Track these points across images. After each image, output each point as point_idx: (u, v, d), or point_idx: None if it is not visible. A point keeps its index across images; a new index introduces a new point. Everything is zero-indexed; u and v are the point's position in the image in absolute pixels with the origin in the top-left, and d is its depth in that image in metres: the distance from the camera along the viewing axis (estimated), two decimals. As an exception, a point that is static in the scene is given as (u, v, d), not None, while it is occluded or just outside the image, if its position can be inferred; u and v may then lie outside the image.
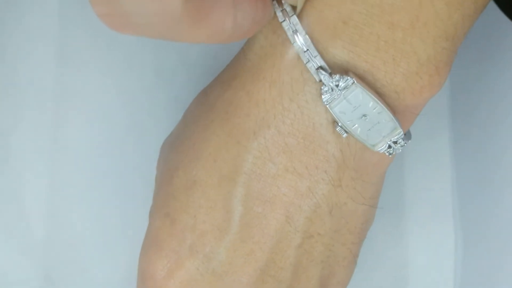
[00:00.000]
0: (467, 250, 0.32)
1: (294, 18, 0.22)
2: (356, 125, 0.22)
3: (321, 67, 0.22)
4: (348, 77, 0.22)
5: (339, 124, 0.23)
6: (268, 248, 0.24)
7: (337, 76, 0.22)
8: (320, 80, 0.22)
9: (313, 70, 0.22)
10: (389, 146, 0.23)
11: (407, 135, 0.25)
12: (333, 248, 0.25)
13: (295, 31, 0.22)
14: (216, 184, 0.24)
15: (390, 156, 0.24)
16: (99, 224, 0.32)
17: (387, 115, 0.22)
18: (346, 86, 0.22)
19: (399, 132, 0.23)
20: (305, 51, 0.22)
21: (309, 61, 0.22)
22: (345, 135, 0.23)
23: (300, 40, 0.22)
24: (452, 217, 0.32)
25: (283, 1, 0.22)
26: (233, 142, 0.24)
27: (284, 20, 0.22)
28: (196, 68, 0.31)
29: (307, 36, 0.22)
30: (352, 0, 0.21)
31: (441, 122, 0.32)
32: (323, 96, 0.22)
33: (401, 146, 0.23)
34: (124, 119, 0.32)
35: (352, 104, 0.22)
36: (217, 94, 0.25)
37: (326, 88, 0.22)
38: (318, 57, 0.22)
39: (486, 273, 0.32)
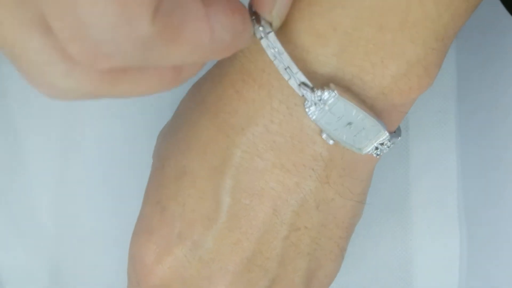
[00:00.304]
0: (472, 250, 0.32)
1: (272, 36, 0.22)
2: (342, 133, 0.23)
3: (303, 83, 0.22)
4: (330, 91, 0.22)
5: (326, 133, 0.23)
6: (255, 239, 0.25)
7: (319, 92, 0.22)
8: (303, 95, 0.22)
9: (295, 86, 0.22)
10: (376, 148, 0.24)
11: (396, 132, 0.25)
12: (320, 241, 0.26)
13: (275, 50, 0.22)
14: (205, 175, 0.25)
15: (377, 156, 0.25)
16: (107, 221, 0.33)
17: (371, 120, 0.23)
18: (329, 100, 0.22)
19: (385, 134, 0.23)
20: (285, 69, 0.22)
21: (290, 77, 0.22)
22: (331, 142, 0.23)
23: (279, 58, 0.22)
24: (458, 217, 0.32)
25: (261, 18, 0.22)
26: (222, 136, 0.24)
27: (262, 38, 0.22)
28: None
29: (286, 54, 0.22)
30: (342, 5, 0.21)
31: (448, 123, 0.32)
32: (307, 110, 0.22)
33: (388, 147, 0.24)
34: (134, 116, 0.32)
35: (336, 115, 0.22)
36: (208, 89, 0.25)
37: (309, 104, 0.22)
38: (299, 73, 0.22)
39: (491, 274, 0.32)
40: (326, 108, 0.22)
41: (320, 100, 0.22)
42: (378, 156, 0.24)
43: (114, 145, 0.32)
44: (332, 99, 0.22)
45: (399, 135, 0.25)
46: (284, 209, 0.25)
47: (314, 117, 0.23)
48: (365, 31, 0.22)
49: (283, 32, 0.23)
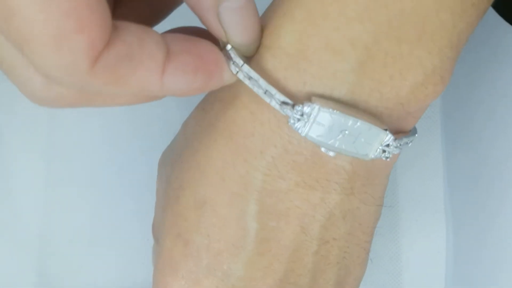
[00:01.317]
0: (459, 244, 0.33)
1: (246, 67, 0.22)
2: (339, 142, 0.22)
3: (283, 102, 0.22)
4: (310, 103, 0.21)
5: (325, 147, 0.22)
6: (286, 259, 0.25)
7: (299, 107, 0.21)
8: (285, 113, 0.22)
9: (277, 107, 0.22)
10: (383, 151, 0.23)
11: (412, 132, 0.25)
12: (348, 249, 0.26)
13: (250, 78, 0.22)
14: (227, 202, 0.24)
15: (387, 159, 0.24)
16: (94, 223, 0.32)
17: (365, 125, 0.22)
18: (311, 112, 0.21)
19: (386, 135, 0.22)
20: (265, 93, 0.22)
21: (271, 100, 0.22)
22: (332, 153, 0.22)
23: (257, 84, 0.22)
24: (444, 212, 0.33)
25: (232, 55, 0.22)
26: (240, 160, 0.23)
27: (238, 72, 0.22)
28: None
29: (262, 80, 0.22)
30: (360, 20, 0.21)
31: (433, 120, 0.32)
32: (294, 127, 0.22)
33: (396, 147, 0.23)
34: (121, 117, 0.31)
35: (325, 126, 0.22)
36: (217, 112, 0.24)
37: (292, 121, 0.22)
38: (278, 94, 0.21)
39: (477, 266, 0.33)
40: (311, 120, 0.22)
41: (302, 115, 0.22)
42: (388, 159, 0.24)
43: (99, 148, 0.32)
44: (314, 111, 0.21)
45: (415, 133, 0.25)
46: (312, 225, 0.24)
47: (304, 133, 0.22)
48: (383, 45, 0.21)
49: (295, 48, 0.22)
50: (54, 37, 0.17)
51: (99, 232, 0.32)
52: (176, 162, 0.26)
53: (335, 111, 0.21)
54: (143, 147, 0.32)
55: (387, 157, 0.23)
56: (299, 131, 0.22)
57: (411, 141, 0.24)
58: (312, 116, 0.21)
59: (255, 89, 0.22)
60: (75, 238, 0.32)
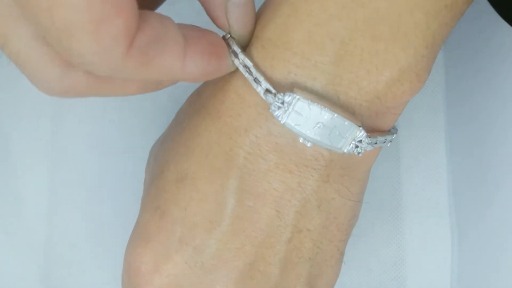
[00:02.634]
0: (463, 247, 0.33)
1: (241, 55, 0.24)
2: (315, 133, 0.23)
3: (267, 90, 0.23)
4: (291, 93, 0.23)
5: (301, 136, 0.24)
6: (258, 243, 0.25)
7: (280, 95, 0.23)
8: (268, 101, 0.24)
9: (262, 93, 0.23)
10: (356, 146, 0.24)
11: (392, 130, 0.26)
12: (321, 245, 0.26)
13: (244, 65, 0.24)
14: (207, 177, 0.25)
15: (360, 155, 0.25)
16: (98, 226, 0.32)
17: (339, 118, 0.23)
18: (292, 102, 0.23)
19: (359, 131, 0.24)
20: (254, 79, 0.24)
21: (258, 86, 0.24)
22: (309, 144, 0.24)
23: (249, 71, 0.24)
24: (448, 215, 0.33)
25: (230, 44, 0.24)
26: (225, 137, 0.25)
27: (234, 59, 0.24)
28: None
29: (253, 68, 0.24)
30: (339, 17, 0.23)
31: (437, 123, 0.33)
32: (274, 114, 0.23)
33: (369, 143, 0.24)
34: (124, 120, 0.32)
35: (303, 116, 0.23)
36: (209, 94, 0.26)
37: (273, 108, 0.23)
38: (264, 82, 0.23)
39: (482, 270, 0.33)
40: (290, 109, 0.23)
41: (283, 103, 0.23)
42: (360, 154, 0.25)
43: (104, 149, 0.32)
44: (294, 101, 0.23)
45: (395, 132, 0.26)
46: (287, 209, 0.25)
47: (283, 121, 0.23)
48: (360, 41, 0.23)
49: (282, 40, 0.24)
50: (95, 22, 0.18)
51: (103, 236, 0.32)
52: (165, 142, 0.27)
53: (312, 102, 0.23)
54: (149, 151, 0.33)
55: (359, 153, 0.24)
56: (279, 118, 0.23)
57: (389, 141, 0.25)
58: (291, 105, 0.23)
59: (247, 75, 0.24)
60: (79, 242, 0.32)
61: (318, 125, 0.23)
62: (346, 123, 0.23)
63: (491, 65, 0.33)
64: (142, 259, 0.25)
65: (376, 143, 0.25)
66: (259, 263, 0.25)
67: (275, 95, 0.23)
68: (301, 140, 0.24)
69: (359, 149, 0.24)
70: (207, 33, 0.23)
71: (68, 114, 0.33)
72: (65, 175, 0.32)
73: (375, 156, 0.26)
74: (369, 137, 0.24)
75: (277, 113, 0.23)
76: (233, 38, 0.24)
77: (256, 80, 0.24)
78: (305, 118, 0.23)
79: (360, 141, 0.24)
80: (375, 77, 0.24)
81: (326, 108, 0.23)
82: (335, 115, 0.23)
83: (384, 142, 0.25)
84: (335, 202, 0.25)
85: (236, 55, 0.24)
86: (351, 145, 0.24)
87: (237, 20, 0.24)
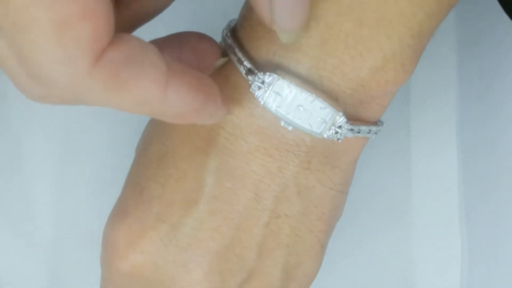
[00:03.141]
0: (473, 253, 0.33)
1: (228, 34, 0.24)
2: (296, 116, 0.23)
3: (249, 70, 0.23)
4: (272, 73, 0.23)
5: (282, 119, 0.23)
6: (235, 225, 0.25)
7: (261, 75, 0.23)
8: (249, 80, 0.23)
9: (243, 73, 0.23)
10: (336, 132, 0.24)
11: (378, 123, 0.25)
12: (300, 233, 0.26)
13: (229, 46, 0.24)
14: (188, 155, 0.25)
15: (338, 140, 0.25)
16: None
17: (319, 102, 0.23)
18: (272, 82, 0.23)
19: (339, 116, 0.23)
20: (237, 60, 0.24)
21: (240, 66, 0.23)
22: (290, 127, 0.24)
23: (234, 51, 0.24)
24: (459, 221, 0.33)
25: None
26: None
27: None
28: None
29: (236, 48, 0.24)
30: (325, 0, 0.23)
31: (449, 126, 0.33)
32: (255, 94, 0.23)
33: (349, 130, 0.24)
34: (136, 121, 0.32)
35: (282, 96, 0.23)
36: None
37: (254, 88, 0.23)
38: (246, 61, 0.23)
39: (493, 276, 0.33)
40: (270, 89, 0.23)
41: (263, 83, 0.23)
42: (339, 141, 0.24)
43: (113, 149, 0.32)
44: (274, 81, 0.23)
45: (381, 125, 0.26)
46: (266, 193, 0.25)
47: (262, 102, 0.23)
48: (344, 25, 0.23)
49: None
50: (56, 23, 0.16)
51: None
52: (151, 122, 0.27)
53: (293, 83, 0.23)
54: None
55: (338, 139, 0.24)
56: (259, 98, 0.23)
57: (375, 132, 0.25)
58: (272, 85, 0.23)
59: (231, 56, 0.24)
60: (87, 241, 0.33)
61: (299, 108, 0.23)
62: (326, 107, 0.23)
63: (504, 65, 0.33)
64: (118, 234, 0.25)
65: (359, 132, 0.24)
66: (235, 246, 0.25)
67: (256, 74, 0.23)
68: (282, 123, 0.24)
69: (338, 135, 0.24)
70: (194, 71, 0.21)
71: (80, 114, 0.33)
72: (75, 175, 0.33)
73: (359, 148, 0.26)
74: (351, 124, 0.24)
75: (257, 93, 0.23)
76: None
77: (239, 60, 0.24)
78: (285, 99, 0.23)
79: (340, 127, 0.24)
80: (359, 64, 0.23)
81: (306, 91, 0.23)
82: (315, 98, 0.23)
83: (369, 132, 0.25)
84: (316, 190, 0.25)
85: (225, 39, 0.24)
86: (331, 130, 0.24)
87: (284, 12, 0.21)
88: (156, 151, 0.26)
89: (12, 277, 0.32)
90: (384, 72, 0.24)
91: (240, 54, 0.24)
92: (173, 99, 0.19)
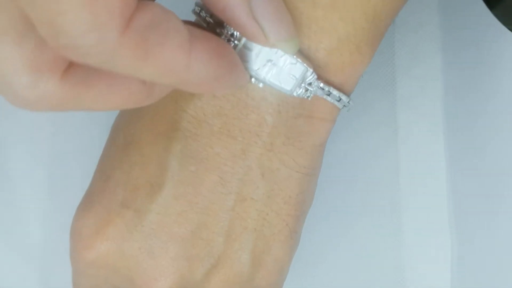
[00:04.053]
0: (463, 252, 0.33)
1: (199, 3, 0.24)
2: (265, 71, 0.23)
3: (216, 23, 0.23)
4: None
5: (252, 75, 0.23)
6: (200, 209, 0.25)
7: (229, 27, 0.23)
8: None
9: (211, 24, 0.23)
10: (306, 89, 0.24)
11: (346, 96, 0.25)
12: (267, 217, 0.25)
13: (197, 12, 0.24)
14: (151, 141, 0.25)
15: (311, 125, 0.25)
16: None
17: (289, 57, 0.23)
18: (241, 37, 0.23)
19: (311, 73, 0.24)
20: (204, 18, 0.23)
21: (206, 23, 0.23)
22: (261, 85, 0.24)
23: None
24: (448, 220, 0.32)
25: None
26: (171, 102, 0.25)
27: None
28: None
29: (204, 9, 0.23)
30: None
31: (436, 126, 0.33)
32: None
33: (318, 87, 0.24)
34: None
35: (252, 50, 0.23)
36: None
37: (223, 37, 0.23)
38: (214, 16, 0.23)
39: (482, 275, 0.32)
40: (240, 44, 0.23)
41: (232, 35, 0.23)
42: (309, 98, 0.24)
43: (100, 153, 0.32)
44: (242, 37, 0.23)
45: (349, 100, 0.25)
46: (230, 176, 0.25)
47: None
48: (299, 5, 0.23)
49: None
50: None
51: None
52: (118, 115, 0.27)
53: None
54: None
55: (308, 96, 0.24)
56: None
57: (344, 105, 0.25)
58: (242, 40, 0.23)
59: (197, 18, 0.24)
60: None
61: (269, 63, 0.23)
62: (296, 62, 0.23)
63: (489, 70, 0.33)
64: (84, 223, 0.25)
65: (329, 94, 0.24)
66: (202, 231, 0.25)
67: (224, 27, 0.23)
68: (252, 80, 0.24)
69: (308, 93, 0.24)
70: (215, 37, 0.21)
71: (67, 118, 0.33)
72: (63, 178, 0.33)
73: (324, 132, 0.26)
74: (321, 83, 0.24)
75: None
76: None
77: (207, 18, 0.23)
78: (255, 54, 0.23)
79: (310, 84, 0.24)
80: (315, 44, 0.24)
81: None
82: (283, 52, 0.23)
83: (339, 101, 0.25)
84: (280, 173, 0.25)
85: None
86: (301, 88, 0.24)
87: (270, 20, 0.21)
88: (122, 140, 0.26)
89: (1, 284, 0.32)
90: (340, 54, 0.24)
91: (203, 12, 0.23)
92: (197, 65, 0.19)
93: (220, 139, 0.25)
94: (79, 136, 0.33)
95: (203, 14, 0.24)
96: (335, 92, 0.24)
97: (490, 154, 0.33)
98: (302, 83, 0.24)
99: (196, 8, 0.24)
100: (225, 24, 0.23)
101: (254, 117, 0.24)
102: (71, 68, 0.19)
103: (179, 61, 0.19)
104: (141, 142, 0.25)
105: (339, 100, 0.25)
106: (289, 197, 0.26)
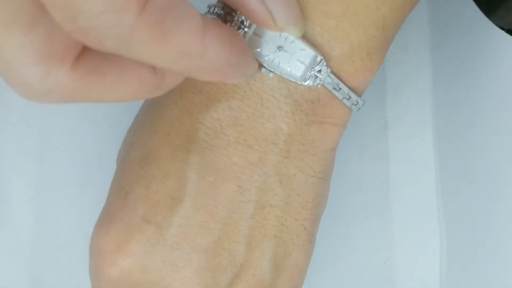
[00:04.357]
0: (452, 245, 0.33)
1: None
2: (275, 58, 0.24)
3: (227, 13, 0.23)
4: None
5: (263, 64, 0.24)
6: (221, 219, 0.25)
7: (239, 15, 0.23)
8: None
9: (221, 17, 0.23)
10: (316, 76, 0.24)
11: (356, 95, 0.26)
12: (286, 222, 0.26)
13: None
14: (169, 154, 0.25)
15: (323, 131, 0.25)
16: (86, 228, 0.31)
17: (299, 43, 0.24)
18: (251, 24, 0.23)
19: (320, 59, 0.24)
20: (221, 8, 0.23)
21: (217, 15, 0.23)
22: (271, 74, 0.24)
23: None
24: (437, 214, 0.33)
25: None
26: (186, 114, 0.25)
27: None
28: None
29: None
30: None
31: (424, 122, 0.34)
32: None
33: (328, 75, 0.24)
34: (112, 121, 0.32)
35: (262, 37, 0.24)
36: None
37: (233, 25, 0.23)
38: (225, 7, 0.23)
39: (471, 269, 0.33)
40: (250, 31, 0.23)
41: (242, 23, 0.23)
42: (319, 86, 0.24)
43: (93, 150, 0.32)
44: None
45: (363, 102, 0.26)
46: (248, 185, 0.25)
47: None
48: (312, 15, 0.24)
49: None
50: None
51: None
52: (132, 125, 0.27)
53: None
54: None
55: (318, 84, 0.24)
56: None
57: (353, 104, 0.25)
58: (252, 26, 0.23)
59: (212, 8, 0.24)
60: (67, 243, 0.32)
61: (279, 49, 0.24)
62: (306, 48, 0.24)
63: (478, 66, 0.34)
64: (105, 240, 0.25)
65: (339, 90, 0.25)
66: (223, 241, 0.25)
67: (233, 16, 0.23)
68: (262, 70, 0.24)
69: (318, 80, 0.24)
70: (225, 25, 0.21)
71: (57, 114, 0.32)
72: (53, 177, 0.32)
73: (336, 136, 0.26)
74: (331, 72, 0.24)
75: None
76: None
77: (221, 8, 0.23)
78: (264, 41, 0.24)
79: (320, 71, 0.24)
80: (328, 52, 0.24)
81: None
82: (293, 38, 0.23)
83: (349, 99, 0.25)
84: (297, 179, 0.26)
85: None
86: (311, 75, 0.24)
87: (280, 7, 0.22)
88: (138, 154, 0.26)
89: None
90: (352, 61, 0.25)
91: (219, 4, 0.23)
92: (211, 51, 0.19)
93: (237, 149, 0.25)
94: (69, 132, 0.32)
95: (212, 9, 0.24)
96: (344, 88, 0.25)
97: (479, 148, 0.34)
98: (311, 69, 0.24)
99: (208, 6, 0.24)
100: (233, 13, 0.23)
101: (269, 126, 0.25)
102: (81, 57, 0.19)
103: (194, 45, 0.18)
104: (158, 156, 0.25)
105: (349, 98, 0.25)
106: (306, 202, 0.26)
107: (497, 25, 0.29)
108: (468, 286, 0.33)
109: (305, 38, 0.24)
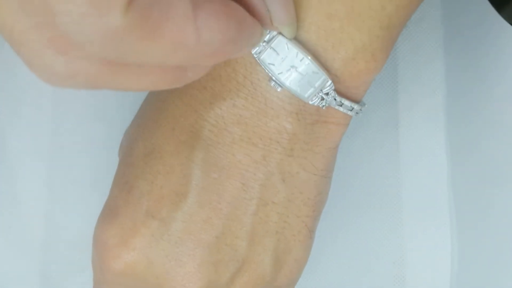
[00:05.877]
0: (463, 247, 0.33)
1: None
2: (286, 76, 0.24)
3: None
4: (271, 31, 0.23)
5: (273, 78, 0.24)
6: (224, 215, 0.25)
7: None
8: None
9: None
10: (322, 98, 0.25)
11: (360, 103, 0.26)
12: (288, 219, 0.26)
13: None
14: (174, 150, 0.25)
15: (323, 107, 0.25)
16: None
17: (313, 66, 0.24)
18: (271, 38, 0.24)
19: (329, 83, 0.24)
20: None
21: None
22: (279, 89, 0.24)
23: None
24: (448, 214, 0.33)
25: None
26: (190, 111, 0.25)
27: None
28: None
29: None
30: None
31: (437, 122, 0.33)
32: (252, 51, 0.24)
33: (334, 98, 0.25)
34: (122, 118, 0.32)
35: (279, 54, 0.24)
36: None
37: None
38: None
39: (482, 270, 0.33)
40: (268, 46, 0.24)
41: (263, 41, 0.24)
42: (324, 108, 0.25)
43: (103, 149, 0.32)
44: (274, 38, 0.24)
45: (363, 105, 0.26)
46: (252, 182, 0.25)
47: (256, 56, 0.24)
48: (315, 18, 0.24)
49: None
50: None
51: None
52: (134, 119, 0.28)
53: (291, 42, 0.24)
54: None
55: (323, 106, 0.25)
56: (255, 55, 0.24)
57: (356, 112, 0.26)
58: (270, 43, 0.24)
59: None
60: (77, 240, 0.32)
61: (292, 69, 0.24)
62: (318, 72, 0.24)
63: (491, 66, 0.34)
64: (109, 234, 0.26)
65: (341, 105, 0.25)
66: (226, 236, 0.26)
67: None
68: (272, 83, 0.24)
69: (324, 102, 0.25)
70: None
71: (68, 113, 0.33)
72: (64, 174, 0.33)
73: (338, 135, 0.26)
74: (336, 94, 0.25)
75: (255, 50, 0.24)
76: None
77: None
78: (280, 58, 0.24)
79: (327, 94, 0.25)
80: (332, 55, 0.24)
81: (302, 51, 0.24)
82: (311, 62, 0.24)
83: (351, 110, 0.25)
84: (300, 177, 0.26)
85: None
86: (318, 96, 0.25)
87: (280, 9, 0.22)
88: (142, 149, 0.26)
89: (4, 280, 0.32)
90: (356, 63, 0.25)
91: None
92: (206, 33, 0.18)
93: (241, 147, 0.25)
94: (80, 130, 0.33)
95: None
96: (347, 103, 0.25)
97: (490, 148, 0.34)
98: (320, 92, 0.24)
99: None
100: None
101: (274, 125, 0.25)
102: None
103: (187, 32, 0.18)
104: (163, 151, 0.26)
105: (351, 109, 0.25)
106: (308, 199, 0.26)
107: (508, 21, 0.29)
108: (479, 287, 0.33)
109: (310, 42, 0.24)
